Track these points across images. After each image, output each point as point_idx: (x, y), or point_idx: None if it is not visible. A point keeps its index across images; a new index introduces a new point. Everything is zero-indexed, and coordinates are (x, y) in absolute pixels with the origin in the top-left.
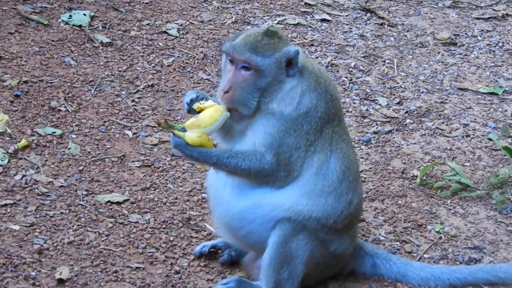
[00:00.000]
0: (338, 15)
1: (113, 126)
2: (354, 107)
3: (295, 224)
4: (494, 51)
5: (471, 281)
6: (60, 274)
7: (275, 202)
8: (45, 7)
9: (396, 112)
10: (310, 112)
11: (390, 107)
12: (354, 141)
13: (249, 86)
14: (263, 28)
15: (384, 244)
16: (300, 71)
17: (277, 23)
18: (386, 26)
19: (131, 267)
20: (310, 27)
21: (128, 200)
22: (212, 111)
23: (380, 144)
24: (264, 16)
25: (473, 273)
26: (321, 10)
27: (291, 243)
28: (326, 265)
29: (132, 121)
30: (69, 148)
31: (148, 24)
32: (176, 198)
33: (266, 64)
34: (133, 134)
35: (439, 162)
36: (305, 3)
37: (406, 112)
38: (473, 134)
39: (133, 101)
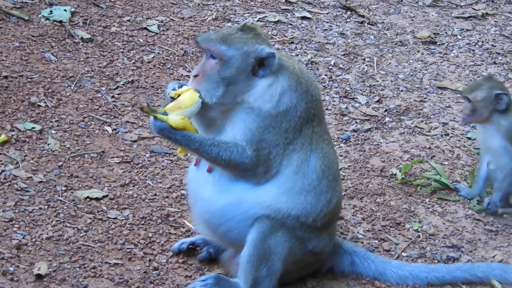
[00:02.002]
0: (319, 13)
1: (92, 122)
2: (334, 105)
3: (274, 222)
4: (473, 50)
5: (449, 280)
6: (38, 270)
7: (255, 199)
8: (26, 2)
9: (375, 111)
10: (289, 111)
11: (370, 105)
12: (333, 139)
13: (214, 75)
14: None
15: (362, 242)
16: (278, 70)
17: (257, 20)
18: (366, 24)
19: (110, 263)
20: (290, 24)
21: (107, 196)
22: (190, 93)
23: (359, 142)
24: (245, 13)
25: (451, 272)
26: (301, 7)
27: (269, 240)
28: (305, 263)
29: (111, 117)
30: (49, 144)
31: (128, 20)
32: (155, 195)
33: (230, 55)
34: (112, 130)
35: (420, 160)
36: (286, 0)
37: (386, 110)
38: (452, 133)
39: (113, 97)
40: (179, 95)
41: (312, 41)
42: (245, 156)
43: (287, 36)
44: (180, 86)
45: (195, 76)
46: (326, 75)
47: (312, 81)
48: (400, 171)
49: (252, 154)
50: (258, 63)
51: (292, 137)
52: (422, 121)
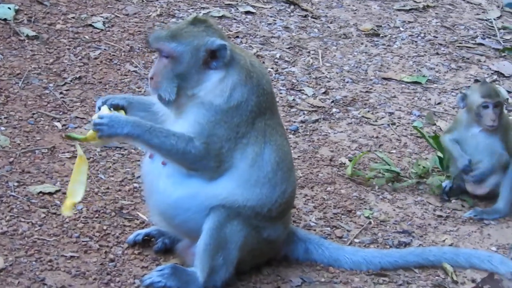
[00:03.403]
0: (262, 7)
1: (42, 118)
2: (281, 97)
3: (230, 211)
4: (416, 42)
5: (402, 264)
6: None
7: (211, 192)
8: None
9: (322, 102)
10: (240, 105)
11: (316, 96)
12: None
13: (168, 73)
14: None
15: (315, 230)
16: (229, 64)
17: (201, 16)
18: (309, 18)
19: (66, 256)
20: (234, 19)
21: (59, 190)
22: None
23: (308, 133)
24: (189, 9)
25: (403, 256)
26: (245, 2)
27: (225, 229)
28: (260, 251)
29: (61, 113)
30: None
31: (73, 18)
32: (108, 188)
33: (180, 51)
34: (62, 126)
35: (367, 152)
36: None
37: (332, 101)
38: (398, 122)
39: (61, 93)
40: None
41: (257, 35)
42: (191, 145)
43: (232, 31)
44: (105, 102)
45: (151, 78)
46: (272, 68)
47: (263, 74)
48: (350, 160)
49: (200, 146)
50: (210, 55)
51: (244, 131)
52: (368, 111)
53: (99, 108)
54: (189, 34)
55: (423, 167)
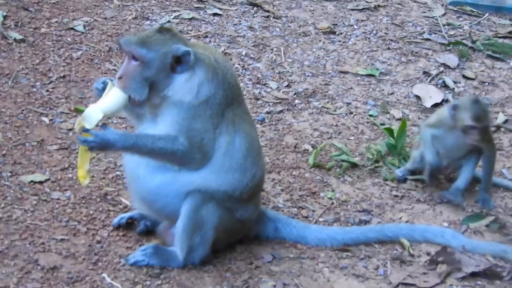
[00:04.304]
0: (228, 9)
1: (30, 114)
2: (248, 90)
3: (205, 195)
4: (369, 38)
5: (363, 240)
6: None
7: (187, 179)
8: None
9: (285, 94)
10: (209, 99)
11: (280, 89)
12: None
13: (137, 76)
14: (158, 26)
15: (283, 211)
16: (195, 64)
17: (173, 18)
18: (271, 18)
19: (57, 239)
20: (203, 20)
21: (49, 179)
22: (115, 91)
23: (273, 122)
24: (161, 12)
25: (364, 233)
26: (212, 5)
27: (201, 211)
28: (234, 230)
29: (48, 108)
30: None
31: (56, 22)
32: (93, 176)
33: (150, 57)
34: (49, 121)
35: (326, 145)
36: None
37: (295, 93)
38: (355, 112)
39: (47, 91)
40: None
41: (224, 34)
42: (177, 143)
43: (201, 31)
44: (104, 82)
45: (120, 78)
46: (239, 64)
47: (227, 69)
48: (313, 147)
49: (184, 142)
50: (176, 60)
51: (217, 122)
52: (328, 102)
53: (98, 89)
54: (157, 41)
55: (377, 151)
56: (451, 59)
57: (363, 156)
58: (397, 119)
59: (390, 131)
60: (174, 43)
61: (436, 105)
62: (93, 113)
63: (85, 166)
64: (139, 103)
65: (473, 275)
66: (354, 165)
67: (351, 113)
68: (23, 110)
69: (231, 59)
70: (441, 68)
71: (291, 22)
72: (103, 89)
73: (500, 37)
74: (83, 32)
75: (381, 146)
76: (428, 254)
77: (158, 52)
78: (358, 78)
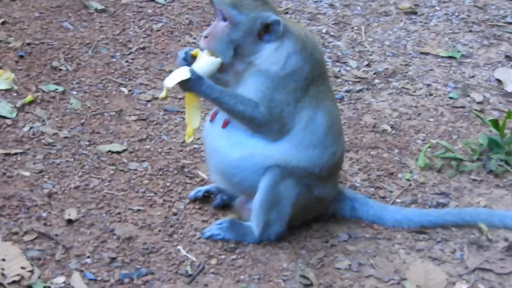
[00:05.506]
0: None
1: (109, 84)
2: (327, 68)
3: (284, 171)
4: (451, 20)
5: (440, 223)
6: (69, 215)
7: (267, 153)
8: None
9: (365, 73)
10: (295, 72)
11: (360, 68)
12: None
13: (224, 37)
14: None
15: (360, 190)
16: (284, 35)
17: None
18: None
19: (133, 210)
20: None
21: (126, 150)
22: (208, 54)
23: (352, 101)
24: None
25: (442, 216)
26: None
27: (280, 187)
28: (311, 208)
29: (127, 79)
30: (71, 104)
31: None
32: (170, 149)
33: (239, 19)
34: (128, 91)
35: (433, 144)
36: None
37: (374, 73)
38: (435, 93)
39: (126, 61)
40: (194, 56)
41: (305, 11)
42: (257, 111)
43: (281, 7)
44: (187, 53)
45: (205, 37)
46: (319, 42)
47: (315, 44)
48: (391, 127)
49: (265, 111)
50: (264, 28)
51: (300, 95)
52: (407, 83)
53: (180, 58)
54: (249, 5)
55: (479, 145)
56: None
57: (464, 154)
58: (478, 103)
59: (495, 123)
60: (265, 10)
61: None
62: (181, 71)
63: (194, 123)
64: (224, 68)
65: None
66: (459, 163)
67: (430, 94)
68: (102, 80)
69: None
70: None
71: (372, 1)
72: (185, 59)
73: None
74: (163, 4)
75: (482, 138)
76: (506, 240)
77: (248, 16)
78: (439, 59)
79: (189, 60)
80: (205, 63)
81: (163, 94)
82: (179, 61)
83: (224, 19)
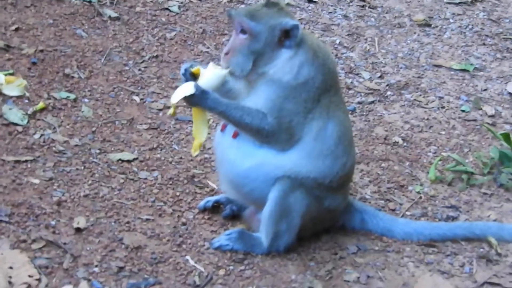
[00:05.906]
0: None
1: (121, 92)
2: (340, 79)
3: (294, 181)
4: (464, 33)
5: (450, 237)
6: (77, 224)
7: (277, 163)
8: None
9: (378, 85)
10: (308, 82)
11: (373, 80)
12: None
13: (244, 49)
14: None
15: (370, 202)
16: (299, 44)
17: None
18: (367, 8)
19: (142, 219)
20: (298, 7)
21: (137, 158)
22: (213, 70)
23: (364, 113)
24: None
25: (452, 229)
26: None
27: (289, 197)
28: (320, 219)
29: (139, 88)
30: (83, 111)
31: (151, 1)
32: (181, 158)
33: (258, 30)
34: (140, 100)
35: (443, 157)
36: None
37: (387, 85)
38: (447, 106)
39: (139, 70)
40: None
41: (319, 22)
42: (265, 122)
43: (295, 18)
44: (192, 65)
45: (226, 53)
46: (332, 53)
47: (328, 55)
48: (403, 140)
49: (273, 122)
50: (284, 34)
51: (311, 106)
52: (420, 95)
53: (183, 75)
54: (265, 14)
55: (490, 159)
56: None
57: (475, 167)
58: (490, 116)
59: (506, 137)
60: (282, 16)
61: None
62: (186, 87)
63: (201, 137)
64: (238, 78)
65: None
66: (470, 176)
67: (443, 107)
68: (114, 88)
69: None
70: None
71: (386, 13)
72: (185, 75)
73: None
74: (177, 13)
75: (493, 152)
76: None
77: (266, 25)
78: (452, 72)
79: (188, 78)
80: (210, 77)
81: (171, 111)
82: (183, 80)
83: (243, 32)
